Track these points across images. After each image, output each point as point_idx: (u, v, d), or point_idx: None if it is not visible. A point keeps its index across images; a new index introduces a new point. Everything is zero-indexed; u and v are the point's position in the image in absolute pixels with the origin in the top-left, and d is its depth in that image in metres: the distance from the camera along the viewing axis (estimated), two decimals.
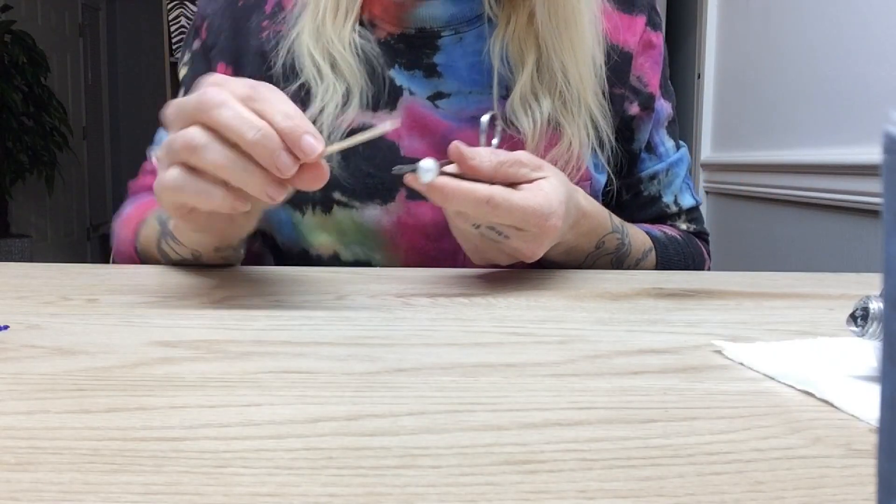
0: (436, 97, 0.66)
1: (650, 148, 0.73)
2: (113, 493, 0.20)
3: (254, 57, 0.69)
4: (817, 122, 1.97)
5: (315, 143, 0.41)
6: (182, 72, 0.75)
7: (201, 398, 0.28)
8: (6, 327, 0.39)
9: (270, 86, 0.43)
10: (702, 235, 0.77)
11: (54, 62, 4.82)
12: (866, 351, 0.31)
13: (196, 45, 0.73)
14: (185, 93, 0.73)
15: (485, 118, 0.58)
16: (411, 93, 0.66)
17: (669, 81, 0.74)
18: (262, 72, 0.68)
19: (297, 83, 0.65)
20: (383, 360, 0.34)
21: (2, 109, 4.33)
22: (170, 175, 0.43)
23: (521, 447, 0.24)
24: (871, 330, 0.29)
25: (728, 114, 2.57)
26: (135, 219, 0.69)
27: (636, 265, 0.66)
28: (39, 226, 4.98)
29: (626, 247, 0.64)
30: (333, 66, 0.65)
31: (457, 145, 0.48)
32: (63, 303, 0.46)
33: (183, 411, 0.26)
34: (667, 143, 0.73)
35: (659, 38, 0.72)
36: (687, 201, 0.75)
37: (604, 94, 0.67)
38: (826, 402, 0.29)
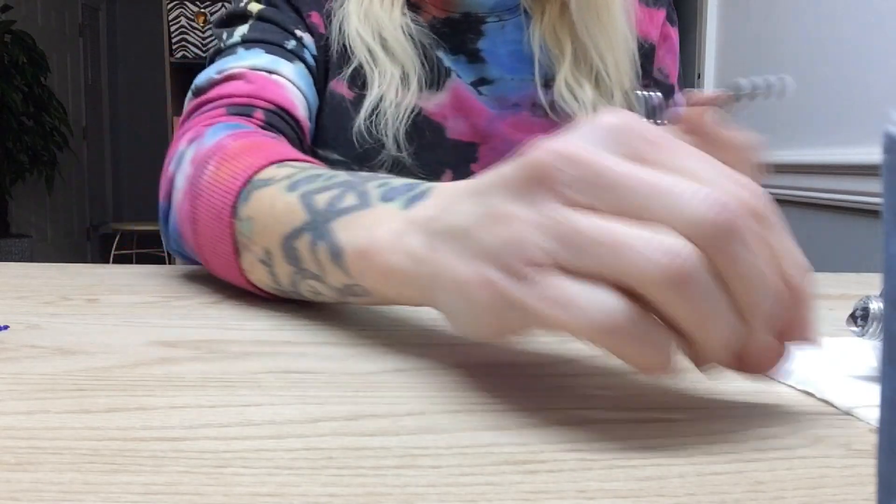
0: (479, 83, 0.67)
1: None
2: (113, 493, 0.20)
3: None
4: (817, 122, 1.97)
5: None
6: (253, 5, 0.64)
7: (201, 398, 0.28)
8: (6, 327, 0.39)
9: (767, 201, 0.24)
10: None
11: (54, 62, 4.82)
12: (866, 351, 0.31)
13: None
14: (277, 24, 0.62)
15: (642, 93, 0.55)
16: (458, 75, 0.66)
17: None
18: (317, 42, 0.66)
19: (351, 67, 0.64)
20: (383, 360, 0.34)
21: (2, 109, 4.33)
22: (618, 314, 0.22)
23: (521, 447, 0.24)
24: (871, 330, 0.29)
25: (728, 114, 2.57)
26: (248, 154, 0.44)
27: None
28: (39, 226, 4.98)
29: None
30: (385, 48, 0.64)
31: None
32: (63, 303, 0.46)
33: (183, 411, 0.26)
34: None
35: (676, 34, 0.74)
36: None
37: (638, 78, 0.68)
38: (826, 401, 0.29)
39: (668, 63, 0.73)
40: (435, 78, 0.66)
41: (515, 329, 0.26)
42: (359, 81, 0.64)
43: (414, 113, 0.64)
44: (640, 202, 0.22)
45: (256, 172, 0.42)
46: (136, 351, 0.35)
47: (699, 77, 2.73)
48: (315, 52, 0.64)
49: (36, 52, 4.54)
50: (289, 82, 0.60)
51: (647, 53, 0.71)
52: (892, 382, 0.13)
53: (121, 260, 4.41)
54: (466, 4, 0.68)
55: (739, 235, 0.22)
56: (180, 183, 0.49)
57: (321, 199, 0.36)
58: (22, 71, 4.42)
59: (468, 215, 0.26)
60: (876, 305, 0.29)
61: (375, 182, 0.35)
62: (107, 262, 4.44)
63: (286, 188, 0.39)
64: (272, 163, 0.43)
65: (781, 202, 2.15)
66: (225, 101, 0.56)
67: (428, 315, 0.43)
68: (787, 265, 0.24)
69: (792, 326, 0.24)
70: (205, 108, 0.56)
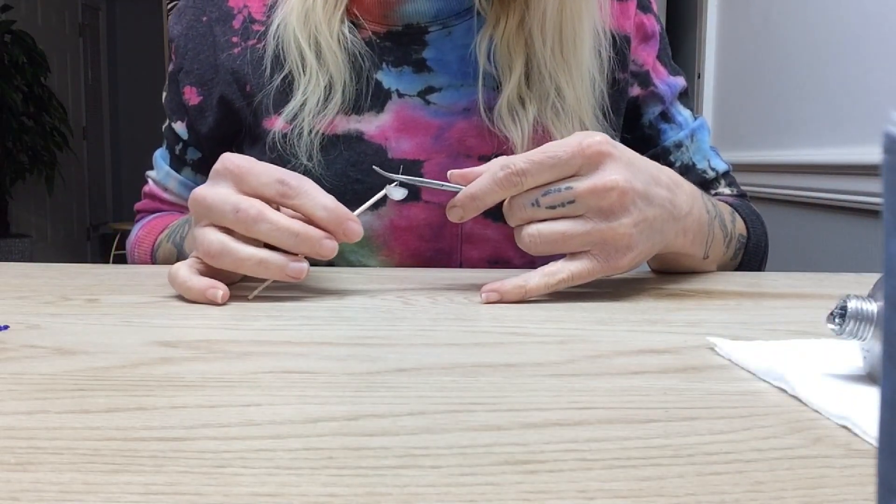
0: (426, 92, 0.65)
1: (668, 118, 0.73)
2: (113, 493, 0.20)
3: (223, 74, 0.68)
4: (817, 122, 1.97)
5: (357, 228, 0.46)
6: (163, 94, 0.76)
7: (201, 398, 0.28)
8: (6, 327, 0.39)
9: (300, 176, 0.46)
10: (745, 198, 0.76)
11: (54, 62, 4.82)
12: (857, 352, 0.31)
13: (171, 67, 0.74)
14: (169, 119, 0.75)
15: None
16: (400, 94, 0.65)
17: (671, 60, 0.75)
18: (235, 90, 0.67)
19: (281, 75, 0.65)
20: (383, 360, 0.34)
21: (2, 109, 4.33)
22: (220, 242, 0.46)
23: (521, 447, 0.24)
24: (848, 328, 0.29)
25: (728, 114, 2.57)
26: (147, 240, 0.73)
27: (732, 227, 0.63)
28: (39, 226, 4.98)
29: (716, 209, 0.60)
30: (319, 55, 0.64)
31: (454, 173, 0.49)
32: (63, 303, 0.46)
33: (183, 411, 0.26)
34: (683, 112, 0.75)
35: (650, 19, 0.73)
36: (720, 165, 0.76)
37: (604, 113, 0.67)
38: (796, 398, 0.29)
39: (642, 52, 0.72)
40: (371, 102, 0.65)
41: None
42: (282, 89, 0.64)
43: (354, 138, 0.64)
44: (231, 223, 0.46)
45: (157, 244, 0.72)
46: (136, 351, 0.35)
47: (699, 77, 2.73)
48: (193, 130, 0.73)
49: (36, 52, 4.54)
50: (173, 195, 0.77)
51: (623, 46, 0.70)
52: (892, 382, 0.13)
53: (121, 260, 4.40)
54: (407, 16, 0.66)
55: (247, 227, 0.45)
56: (133, 255, 0.76)
57: (178, 238, 0.66)
58: (22, 71, 4.42)
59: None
60: (854, 304, 0.29)
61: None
62: (107, 262, 4.44)
63: (167, 242, 0.70)
64: (165, 227, 0.72)
65: (782, 202, 2.15)
66: (142, 213, 0.80)
67: (428, 315, 0.43)
68: (311, 212, 0.46)
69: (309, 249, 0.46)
70: (140, 213, 0.81)
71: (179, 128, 0.74)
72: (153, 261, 0.72)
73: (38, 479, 0.21)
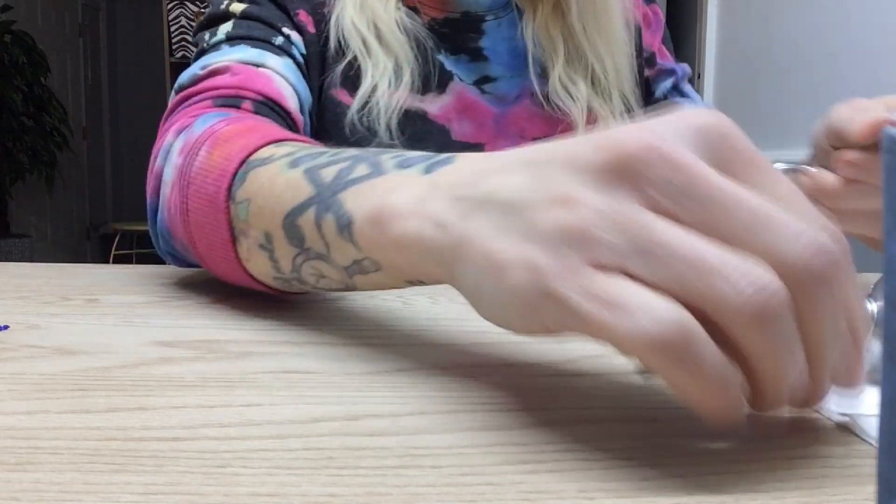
0: (482, 81, 0.67)
1: (682, 94, 0.76)
2: (113, 493, 0.20)
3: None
4: (817, 123, 1.97)
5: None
6: (236, 5, 0.62)
7: (201, 398, 0.28)
8: (6, 327, 0.39)
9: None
10: None
11: (54, 62, 4.82)
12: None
13: None
14: (266, 25, 0.60)
15: (780, 166, 0.50)
16: (460, 78, 0.67)
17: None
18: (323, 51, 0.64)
19: (346, 61, 0.63)
20: (383, 360, 0.34)
21: (2, 109, 4.33)
22: (673, 327, 0.20)
23: (521, 447, 0.24)
24: None
25: (728, 114, 2.57)
26: (242, 136, 0.41)
27: None
28: (39, 226, 4.98)
29: None
30: (379, 38, 0.63)
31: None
32: (63, 303, 0.46)
33: (183, 411, 0.26)
34: (694, 95, 0.77)
35: (653, 9, 0.76)
36: None
37: (637, 82, 0.70)
38: (818, 412, 0.29)
39: (650, 38, 0.75)
40: (435, 80, 0.66)
41: (548, 325, 0.23)
42: (357, 82, 0.64)
43: (419, 117, 0.64)
44: (734, 225, 0.20)
45: (253, 153, 0.39)
46: (136, 351, 0.34)
47: (699, 77, 2.73)
48: (304, 51, 0.62)
49: (36, 52, 4.54)
50: (277, 75, 0.57)
51: (636, 35, 0.73)
52: (892, 382, 0.13)
53: (121, 260, 4.41)
54: (465, 3, 0.68)
55: (828, 283, 0.21)
56: (169, 175, 0.46)
57: (328, 173, 0.33)
58: (22, 71, 4.42)
59: (519, 187, 0.23)
60: None
61: (389, 154, 0.32)
62: (107, 262, 4.43)
63: (287, 165, 0.35)
64: (270, 142, 0.40)
65: None
66: (211, 93, 0.54)
67: (427, 315, 0.43)
68: (855, 316, 0.23)
69: (843, 372, 0.24)
70: (190, 102, 0.54)
71: (290, 33, 0.61)
72: (236, 175, 0.38)
73: (38, 479, 0.21)
